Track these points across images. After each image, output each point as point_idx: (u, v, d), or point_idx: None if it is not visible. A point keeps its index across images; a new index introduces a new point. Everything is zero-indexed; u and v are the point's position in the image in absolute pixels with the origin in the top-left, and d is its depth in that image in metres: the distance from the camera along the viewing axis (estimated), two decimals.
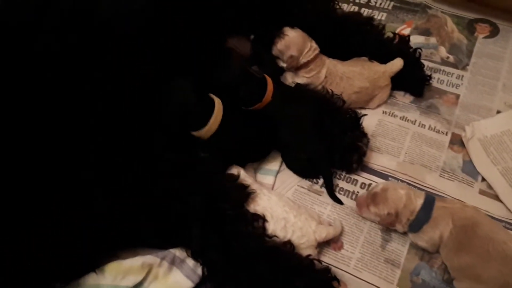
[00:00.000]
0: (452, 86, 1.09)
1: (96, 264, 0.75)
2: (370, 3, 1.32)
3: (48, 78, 0.73)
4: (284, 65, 0.99)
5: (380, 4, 1.32)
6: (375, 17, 1.24)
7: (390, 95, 1.06)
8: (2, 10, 0.80)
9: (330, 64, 1.00)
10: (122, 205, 0.74)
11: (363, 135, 0.91)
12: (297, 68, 1.00)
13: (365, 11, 1.29)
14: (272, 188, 0.91)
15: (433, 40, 1.20)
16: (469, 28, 1.23)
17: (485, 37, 1.20)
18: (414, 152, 0.96)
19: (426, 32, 1.22)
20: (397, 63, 1.02)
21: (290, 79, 1.01)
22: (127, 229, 0.75)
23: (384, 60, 1.04)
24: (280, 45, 0.97)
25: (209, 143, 0.87)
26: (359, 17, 1.15)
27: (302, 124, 0.90)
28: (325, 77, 0.99)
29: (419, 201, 0.79)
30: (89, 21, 0.81)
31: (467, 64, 1.14)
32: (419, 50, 1.09)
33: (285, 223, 0.80)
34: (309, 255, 0.77)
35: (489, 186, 0.90)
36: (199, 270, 0.77)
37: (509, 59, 1.14)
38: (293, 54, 0.96)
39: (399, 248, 0.82)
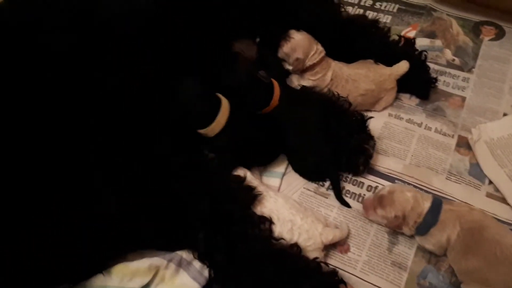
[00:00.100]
0: (458, 89, 1.09)
1: (103, 265, 0.75)
2: (375, 6, 1.32)
3: (49, 77, 0.74)
4: (290, 67, 0.99)
5: (385, 7, 1.32)
6: (380, 20, 1.24)
7: (396, 98, 1.06)
8: (5, 9, 0.81)
9: (336, 67, 1.00)
10: (129, 207, 0.74)
11: (370, 137, 0.91)
12: (303, 71, 1.00)
13: (370, 14, 1.29)
14: (278, 191, 0.91)
15: (438, 42, 1.20)
16: (475, 30, 1.23)
17: (490, 40, 1.20)
18: (420, 155, 0.96)
19: (431, 35, 1.22)
20: (403, 66, 1.02)
21: (296, 81, 1.01)
22: (133, 230, 0.75)
23: (389, 62, 1.04)
24: (286, 47, 0.97)
25: (215, 143, 0.87)
26: (364, 20, 1.15)
27: (309, 126, 0.90)
28: (331, 79, 0.99)
29: (426, 204, 0.78)
30: (91, 21, 0.81)
31: (473, 67, 1.14)
32: (425, 52, 1.09)
33: (292, 226, 0.80)
34: (316, 257, 0.77)
35: (496, 189, 0.90)
36: (205, 272, 0.77)
37: None
38: (299, 57, 0.96)
39: (406, 251, 0.82)
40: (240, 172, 0.87)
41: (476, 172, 0.93)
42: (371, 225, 0.85)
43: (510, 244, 0.73)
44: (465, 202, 0.86)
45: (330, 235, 0.80)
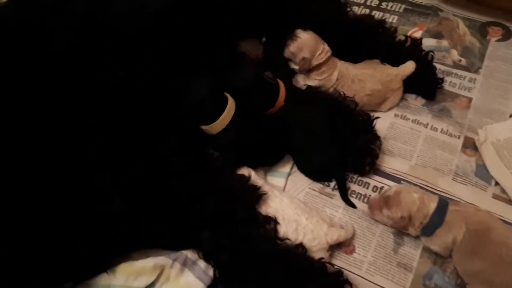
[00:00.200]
0: (465, 90, 1.09)
1: (107, 264, 0.75)
2: (381, 6, 1.32)
3: (51, 77, 0.74)
4: (296, 67, 0.99)
5: (391, 7, 1.31)
6: (386, 20, 1.23)
7: (402, 98, 1.05)
8: (7, 9, 0.81)
9: (342, 67, 1.00)
10: (133, 206, 0.74)
11: (376, 137, 0.91)
12: (309, 70, 0.99)
13: (376, 14, 1.29)
14: (283, 190, 0.91)
15: (445, 43, 1.19)
16: (481, 31, 1.22)
17: (497, 40, 1.19)
18: (426, 156, 0.96)
19: (437, 35, 1.21)
20: (409, 66, 1.02)
21: (301, 81, 1.01)
22: (138, 230, 0.75)
23: (396, 63, 1.04)
24: (292, 47, 0.97)
25: (218, 141, 0.87)
26: (371, 20, 1.15)
27: (314, 126, 0.89)
28: (337, 79, 0.99)
29: (432, 205, 0.78)
30: (93, 21, 0.81)
31: (480, 67, 1.13)
32: (431, 53, 1.08)
33: (297, 226, 0.80)
34: (321, 258, 0.77)
35: (503, 191, 0.89)
36: (210, 272, 0.77)
37: None
38: (306, 56, 0.96)
39: (412, 252, 0.82)
40: (245, 171, 0.87)
41: (483, 173, 0.92)
42: (376, 226, 0.85)
43: None
44: (471, 204, 0.86)
45: (335, 235, 0.79)
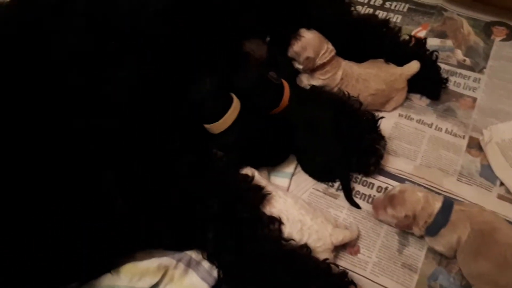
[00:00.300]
0: (469, 89, 1.08)
1: (112, 265, 0.74)
2: (385, 6, 1.31)
3: (53, 76, 0.74)
4: (300, 66, 0.98)
5: (395, 6, 1.31)
6: (390, 19, 1.23)
7: (406, 98, 1.05)
8: (11, 8, 0.81)
9: (346, 66, 1.00)
10: (137, 206, 0.74)
11: (381, 137, 0.90)
12: (313, 70, 0.99)
13: (380, 14, 1.28)
14: (287, 191, 0.90)
15: (449, 42, 1.19)
16: (486, 31, 1.21)
17: (502, 40, 1.19)
18: (431, 156, 0.95)
19: (442, 35, 1.21)
20: (413, 66, 1.01)
21: (305, 81, 1.01)
22: (142, 230, 0.75)
23: (400, 62, 1.03)
24: (296, 46, 0.96)
25: (221, 141, 0.87)
26: (375, 19, 1.15)
27: (318, 126, 0.89)
28: (341, 79, 0.99)
29: (437, 204, 0.77)
30: (102, 23, 0.81)
31: (484, 67, 1.13)
32: (436, 52, 1.08)
33: (301, 226, 0.79)
34: (326, 259, 0.76)
35: (508, 191, 0.88)
36: (214, 273, 0.77)
37: None
38: (310, 56, 0.96)
39: (417, 252, 0.81)
40: (248, 171, 0.87)
41: (488, 173, 0.92)
42: (381, 226, 0.84)
43: None
44: (475, 203, 0.86)
45: (340, 236, 0.79)
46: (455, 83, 1.09)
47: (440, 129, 1.00)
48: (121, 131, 0.76)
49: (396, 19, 1.26)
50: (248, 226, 0.77)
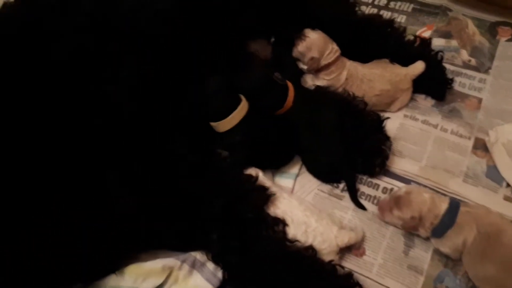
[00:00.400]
0: (474, 90, 1.07)
1: (116, 266, 0.74)
2: (389, 6, 1.30)
3: (56, 77, 0.74)
4: (305, 67, 0.98)
5: (400, 6, 1.30)
6: (395, 19, 1.22)
7: (411, 98, 1.04)
8: (17, 9, 0.81)
9: (351, 66, 0.99)
10: (142, 207, 0.74)
11: (386, 138, 0.90)
12: (317, 70, 0.98)
13: (384, 14, 1.27)
14: (291, 192, 0.90)
15: (454, 43, 1.18)
16: (491, 31, 1.20)
17: (507, 40, 1.18)
18: (436, 157, 0.95)
19: (447, 35, 1.20)
20: (418, 66, 1.01)
21: (310, 81, 1.00)
22: (147, 231, 0.75)
23: (405, 62, 1.02)
24: (301, 46, 0.96)
25: (226, 140, 0.87)
26: (379, 19, 1.14)
27: (323, 127, 0.89)
28: (346, 79, 0.98)
29: (443, 206, 0.77)
30: (107, 23, 0.81)
31: (489, 68, 1.12)
32: (441, 53, 1.07)
33: (306, 228, 0.79)
34: (331, 260, 0.76)
35: None
36: (219, 274, 0.76)
37: None
38: (314, 56, 0.95)
39: (422, 254, 0.81)
40: (252, 171, 0.86)
41: (494, 174, 0.91)
42: (386, 228, 0.84)
43: None
44: (482, 205, 0.85)
45: (346, 238, 0.79)
46: (460, 84, 1.08)
47: (445, 130, 0.99)
48: (122, 131, 0.76)
49: (400, 19, 1.25)
50: (253, 227, 0.76)
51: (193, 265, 0.77)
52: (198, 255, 0.77)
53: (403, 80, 1.00)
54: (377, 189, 0.90)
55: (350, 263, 0.81)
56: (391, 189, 0.89)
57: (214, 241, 0.75)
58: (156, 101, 0.81)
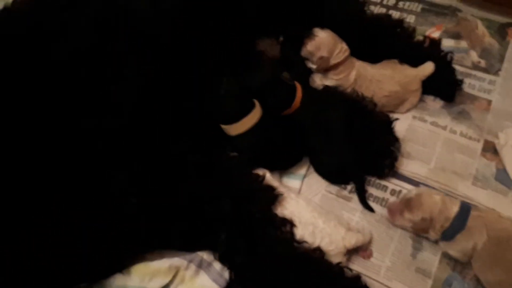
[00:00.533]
0: (484, 92, 1.06)
1: (123, 265, 0.74)
2: (398, 6, 1.29)
3: (60, 77, 0.74)
4: (314, 66, 0.97)
5: (409, 6, 1.29)
6: (404, 19, 1.21)
7: (420, 100, 1.03)
8: (23, 9, 0.81)
9: (360, 67, 0.98)
10: (149, 207, 0.73)
11: (395, 139, 0.89)
12: (326, 70, 0.98)
13: (393, 14, 1.26)
14: (299, 193, 0.89)
15: (463, 44, 1.17)
16: (501, 32, 1.19)
17: None
18: (445, 159, 0.94)
19: (456, 36, 1.19)
20: (428, 67, 1.00)
21: (318, 81, 0.99)
22: (154, 230, 0.74)
23: (414, 63, 1.02)
24: (310, 46, 0.95)
25: (236, 143, 0.86)
26: (389, 19, 1.13)
27: (332, 127, 0.88)
28: (355, 79, 0.97)
29: (454, 208, 0.76)
30: (113, 23, 0.81)
31: (499, 69, 1.11)
32: (451, 54, 1.06)
33: (314, 229, 0.78)
34: (339, 262, 0.75)
35: None
36: (226, 274, 0.76)
37: None
38: (324, 55, 0.94)
39: (431, 257, 0.80)
40: (259, 171, 0.85)
41: (503, 177, 0.90)
42: (394, 230, 0.83)
43: None
44: (492, 209, 0.84)
45: (353, 240, 0.78)
46: (470, 85, 1.07)
47: (454, 132, 0.98)
48: (128, 131, 0.75)
49: (409, 19, 1.24)
50: (260, 227, 0.76)
51: (200, 265, 0.76)
52: (205, 255, 0.77)
53: (412, 81, 0.99)
54: (385, 191, 0.89)
55: (357, 265, 0.80)
56: (400, 191, 0.88)
57: (221, 241, 0.75)
58: (161, 101, 0.81)
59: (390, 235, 0.83)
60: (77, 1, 0.82)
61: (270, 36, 0.98)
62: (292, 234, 0.77)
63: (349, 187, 0.89)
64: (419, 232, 0.80)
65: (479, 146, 0.96)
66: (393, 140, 0.89)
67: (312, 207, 0.81)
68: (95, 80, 0.76)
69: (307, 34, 0.96)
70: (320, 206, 0.85)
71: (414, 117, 1.01)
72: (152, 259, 0.75)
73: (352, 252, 0.80)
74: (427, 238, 0.80)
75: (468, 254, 0.76)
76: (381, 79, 0.98)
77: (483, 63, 1.13)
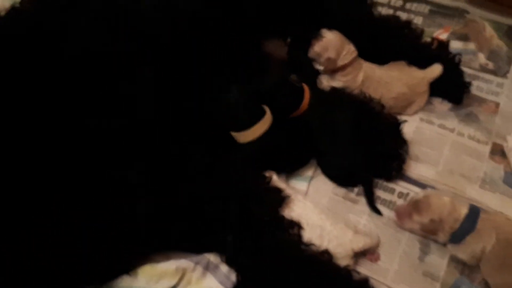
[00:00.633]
0: (492, 94, 1.05)
1: (129, 266, 0.73)
2: (405, 7, 1.29)
3: (63, 78, 0.74)
4: (321, 67, 0.97)
5: (416, 7, 1.28)
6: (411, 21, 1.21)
7: (428, 102, 1.02)
8: (30, 9, 0.81)
9: (368, 68, 0.98)
10: (156, 208, 0.73)
11: (403, 141, 0.88)
12: (333, 71, 0.97)
13: (401, 15, 1.25)
14: (305, 195, 0.89)
15: (471, 46, 1.16)
16: (509, 34, 1.18)
17: None
18: (453, 162, 0.93)
19: (464, 38, 1.18)
20: (436, 69, 0.99)
21: (325, 82, 0.99)
22: (161, 232, 0.74)
23: (422, 65, 1.01)
24: (317, 47, 0.94)
25: (244, 149, 0.86)
26: (396, 20, 1.12)
27: (339, 129, 0.87)
28: (362, 81, 0.97)
29: (463, 210, 0.76)
30: (125, 24, 0.81)
31: (507, 72, 1.10)
32: (459, 56, 1.05)
33: (321, 232, 0.78)
34: (347, 265, 0.75)
35: None
36: (233, 277, 0.75)
37: None
38: (331, 57, 0.94)
39: (439, 261, 0.79)
40: (266, 173, 0.85)
41: (511, 181, 0.89)
42: (402, 233, 0.82)
43: None
44: (500, 212, 0.84)
45: (361, 243, 0.77)
46: (478, 88, 1.06)
47: (462, 134, 0.98)
48: (136, 131, 0.75)
49: (417, 20, 1.23)
50: (268, 230, 0.75)
51: (207, 267, 0.76)
52: (212, 257, 0.76)
53: (420, 83, 0.99)
54: (392, 194, 0.88)
55: (364, 268, 0.79)
56: (407, 194, 0.88)
57: (228, 243, 0.74)
58: (171, 102, 0.80)
59: (398, 238, 0.82)
60: (78, 1, 0.83)
61: (277, 38, 0.98)
62: (299, 236, 0.77)
63: (356, 189, 0.89)
64: (428, 235, 0.79)
65: (487, 149, 0.95)
66: (401, 142, 0.88)
67: (319, 210, 0.81)
68: (99, 80, 0.76)
69: (315, 35, 0.96)
70: (327, 209, 0.84)
71: (421, 119, 1.00)
72: (159, 261, 0.74)
73: (360, 255, 0.80)
74: (435, 241, 0.80)
75: (477, 257, 0.75)
76: (389, 81, 0.97)
77: (491, 65, 1.12)
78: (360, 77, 0.97)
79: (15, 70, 0.72)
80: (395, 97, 0.97)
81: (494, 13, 1.23)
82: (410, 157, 0.92)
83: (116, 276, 0.73)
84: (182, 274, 0.74)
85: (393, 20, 1.12)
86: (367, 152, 0.86)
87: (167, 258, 0.75)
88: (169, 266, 0.74)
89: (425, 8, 1.27)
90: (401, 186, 0.89)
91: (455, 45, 1.15)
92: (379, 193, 0.89)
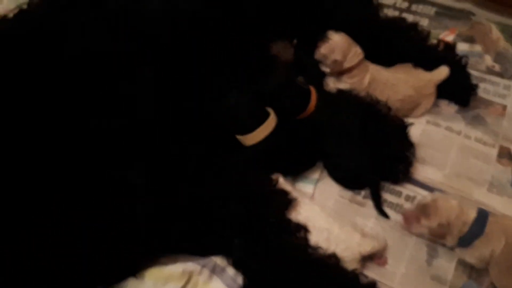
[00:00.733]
0: (499, 97, 1.05)
1: (136, 269, 0.73)
2: (411, 9, 1.28)
3: (64, 79, 0.73)
4: (328, 69, 0.96)
5: (422, 9, 1.28)
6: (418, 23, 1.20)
7: (434, 104, 1.02)
8: (38, 10, 0.81)
9: (374, 70, 0.98)
10: (156, 208, 0.73)
11: (410, 144, 0.88)
12: (340, 73, 0.97)
13: (406, 17, 1.24)
14: (312, 198, 0.88)
15: (477, 48, 1.16)
16: None
17: None
18: (460, 165, 0.92)
19: (470, 40, 1.18)
20: (442, 72, 0.99)
21: (332, 84, 0.99)
22: (161, 232, 0.74)
23: (428, 67, 1.00)
24: (324, 48, 0.94)
25: (249, 151, 0.85)
26: (402, 22, 1.12)
27: (346, 131, 0.87)
28: (369, 83, 0.96)
29: (471, 213, 0.75)
30: (126, 24, 0.80)
31: None
32: (465, 58, 1.05)
33: (328, 235, 0.77)
34: (354, 269, 0.74)
35: None
36: (239, 279, 0.75)
37: None
38: (338, 59, 0.94)
39: (446, 264, 0.79)
40: (272, 176, 0.85)
41: None
42: (409, 237, 0.82)
43: None
44: (508, 215, 0.83)
45: (369, 246, 0.77)
46: (484, 90, 1.06)
47: (469, 137, 0.97)
48: (138, 130, 0.75)
49: (423, 22, 1.23)
50: (275, 232, 0.75)
51: (213, 270, 0.75)
52: (219, 260, 0.76)
53: (426, 85, 0.98)
54: (399, 197, 0.88)
55: (371, 272, 0.79)
56: (414, 197, 0.87)
57: (235, 246, 0.74)
58: (171, 102, 0.80)
59: (405, 241, 0.82)
60: (78, 1, 0.83)
61: (284, 39, 0.98)
62: (306, 239, 0.76)
63: (363, 192, 0.88)
64: (436, 239, 0.78)
65: (494, 152, 0.95)
66: (407, 145, 0.88)
67: (326, 213, 0.81)
68: (99, 80, 0.76)
69: (321, 37, 0.95)
70: (334, 211, 0.84)
71: (428, 122, 1.00)
72: (165, 263, 0.74)
73: (367, 258, 0.79)
74: (442, 245, 0.79)
75: (485, 260, 0.75)
76: (395, 83, 0.97)
77: (497, 67, 1.12)
78: (367, 79, 0.96)
79: (16, 70, 0.72)
80: (402, 99, 0.96)
81: (500, 15, 1.23)
82: (417, 160, 0.92)
83: (122, 279, 0.72)
84: (189, 277, 0.74)
85: (399, 22, 1.12)
86: (373, 155, 0.85)
87: (174, 260, 0.75)
88: (176, 269, 0.73)
89: (431, 10, 1.27)
90: (408, 189, 0.89)
91: (461, 47, 1.15)
92: (386, 196, 0.88)
